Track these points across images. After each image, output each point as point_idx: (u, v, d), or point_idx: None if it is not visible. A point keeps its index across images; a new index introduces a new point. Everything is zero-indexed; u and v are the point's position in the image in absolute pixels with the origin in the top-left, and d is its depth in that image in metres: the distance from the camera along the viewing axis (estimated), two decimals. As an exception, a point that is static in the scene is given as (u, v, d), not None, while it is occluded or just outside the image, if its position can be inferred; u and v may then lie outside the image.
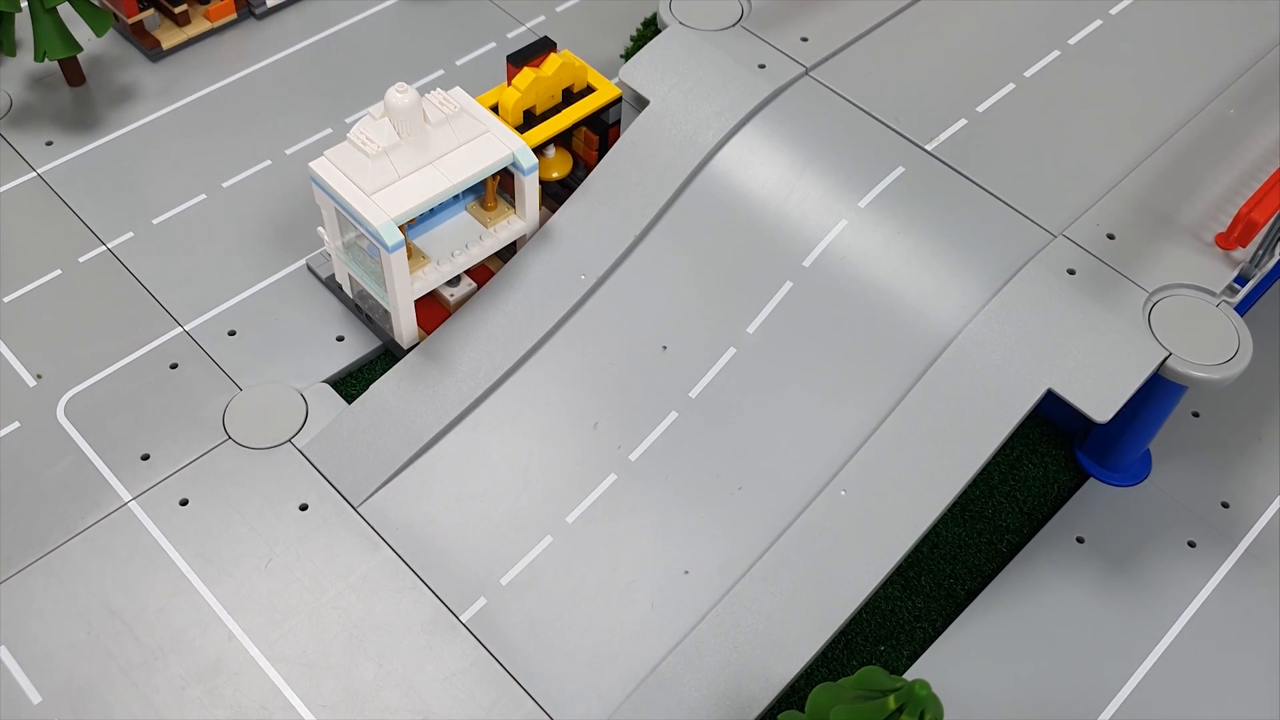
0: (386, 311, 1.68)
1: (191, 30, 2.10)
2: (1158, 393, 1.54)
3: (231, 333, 1.73)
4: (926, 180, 1.66)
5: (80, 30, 2.04)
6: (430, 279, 1.63)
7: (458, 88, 1.65)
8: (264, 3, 2.14)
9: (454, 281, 1.71)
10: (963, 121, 1.72)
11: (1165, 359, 1.47)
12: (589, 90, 1.78)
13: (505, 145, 1.61)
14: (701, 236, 1.69)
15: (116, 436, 1.61)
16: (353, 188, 1.54)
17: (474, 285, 1.72)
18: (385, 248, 1.52)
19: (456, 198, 1.67)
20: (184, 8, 2.07)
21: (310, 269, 1.80)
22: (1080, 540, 1.60)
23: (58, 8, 1.86)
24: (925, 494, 1.47)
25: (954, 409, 1.50)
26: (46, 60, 1.90)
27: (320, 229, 1.68)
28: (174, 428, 1.63)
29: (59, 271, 1.78)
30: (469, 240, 1.67)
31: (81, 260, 1.80)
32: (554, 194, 1.83)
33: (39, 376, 1.67)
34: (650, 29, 1.97)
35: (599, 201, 1.72)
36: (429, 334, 1.69)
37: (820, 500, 1.49)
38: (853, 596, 1.43)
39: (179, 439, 1.62)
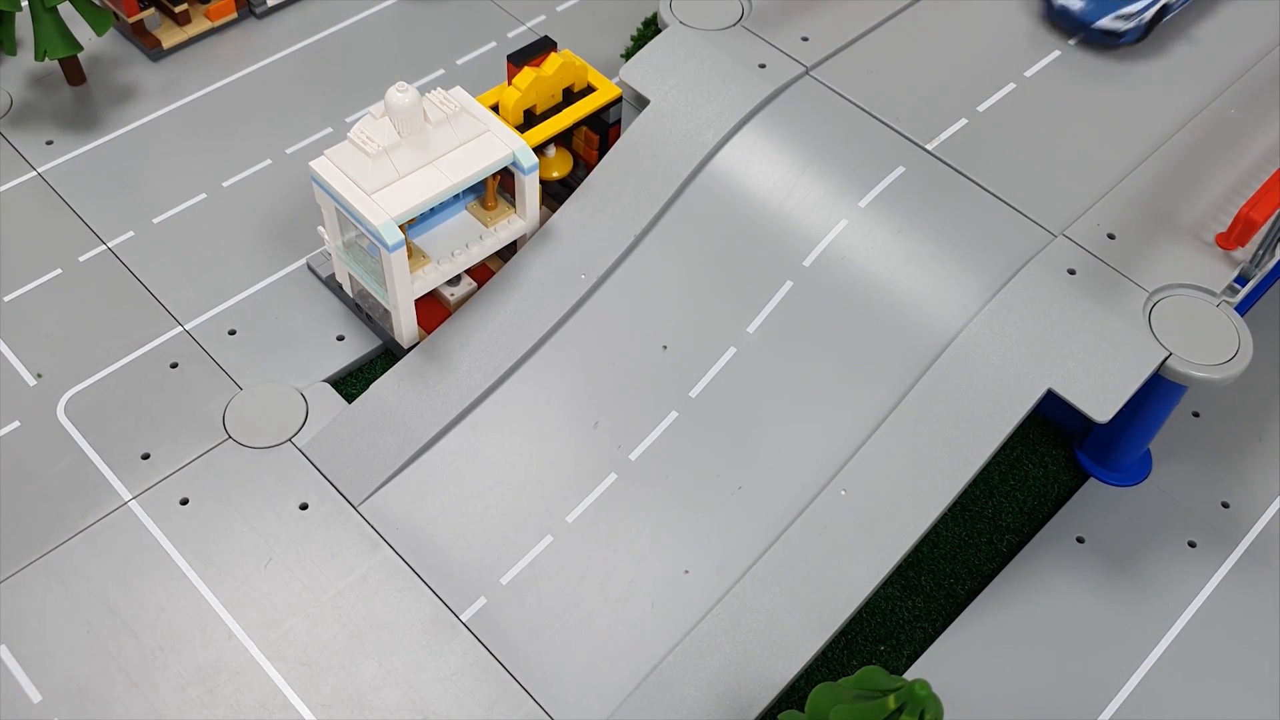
0: (387, 311, 1.68)
1: (192, 30, 2.10)
2: (1158, 393, 1.54)
3: (232, 332, 1.73)
4: (927, 180, 1.66)
5: (80, 29, 2.04)
6: (430, 278, 1.63)
7: (458, 87, 1.65)
8: (264, 2, 2.14)
9: (454, 281, 1.71)
10: (963, 121, 1.72)
11: (1165, 359, 1.47)
12: (589, 90, 1.78)
13: (505, 144, 1.61)
14: (702, 236, 1.69)
15: (116, 436, 1.61)
16: (353, 187, 1.54)
17: (474, 285, 1.72)
18: (385, 247, 1.52)
19: (457, 197, 1.67)
20: (184, 7, 2.07)
21: (310, 268, 1.80)
22: (1080, 540, 1.60)
23: (58, 7, 1.86)
24: (925, 494, 1.47)
25: (954, 409, 1.50)
26: (47, 59, 1.90)
27: (320, 228, 1.68)
28: (174, 427, 1.63)
29: (59, 271, 1.78)
30: (469, 240, 1.67)
31: (81, 260, 1.80)
32: (554, 194, 1.83)
33: (39, 376, 1.67)
34: (650, 29, 1.97)
35: (599, 201, 1.72)
36: (429, 334, 1.68)
37: (820, 500, 1.49)
38: (853, 596, 1.43)
39: (179, 438, 1.62)
